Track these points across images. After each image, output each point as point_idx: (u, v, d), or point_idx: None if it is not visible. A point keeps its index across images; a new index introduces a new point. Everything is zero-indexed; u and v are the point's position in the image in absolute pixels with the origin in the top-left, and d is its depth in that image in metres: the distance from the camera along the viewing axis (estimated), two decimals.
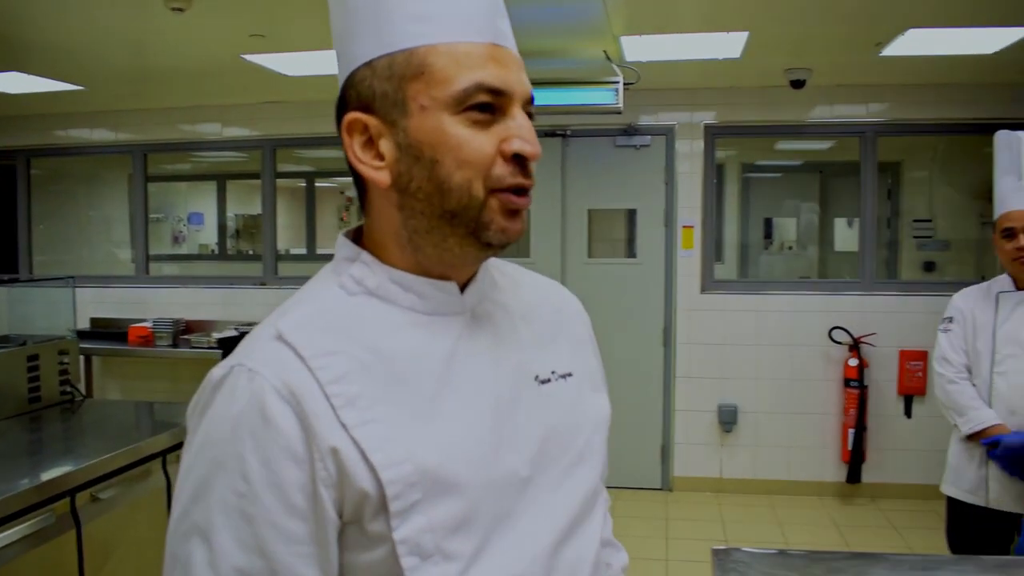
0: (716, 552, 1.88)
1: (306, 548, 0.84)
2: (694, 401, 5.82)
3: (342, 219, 8.15)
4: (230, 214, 7.33)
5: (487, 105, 0.90)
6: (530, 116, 0.94)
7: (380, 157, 0.92)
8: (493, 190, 0.91)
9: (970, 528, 3.04)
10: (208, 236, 7.35)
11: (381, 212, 0.96)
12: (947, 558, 2.11)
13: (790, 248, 7.49)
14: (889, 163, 7.05)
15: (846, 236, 6.85)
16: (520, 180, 0.92)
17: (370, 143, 0.93)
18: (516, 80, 0.93)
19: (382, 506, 0.85)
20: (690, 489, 5.82)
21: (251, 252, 7.09)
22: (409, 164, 0.91)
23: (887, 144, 6.18)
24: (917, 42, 4.36)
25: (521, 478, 0.93)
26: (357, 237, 1.01)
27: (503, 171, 0.91)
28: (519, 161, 0.92)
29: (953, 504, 3.14)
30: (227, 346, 5.46)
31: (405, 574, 0.85)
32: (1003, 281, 3.03)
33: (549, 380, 1.02)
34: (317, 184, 7.21)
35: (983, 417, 2.96)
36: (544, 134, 5.67)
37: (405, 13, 0.90)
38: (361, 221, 1.02)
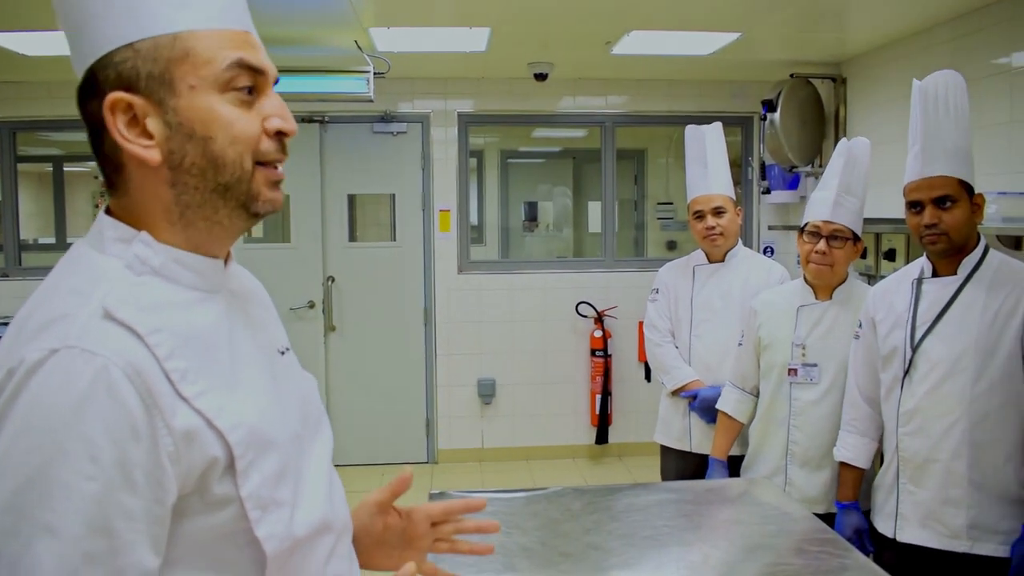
0: (431, 495, 2.11)
1: (142, 525, 0.85)
2: (455, 376, 6.11)
3: (96, 206, 7.74)
4: None
5: (247, 87, 0.98)
6: None
7: (147, 136, 0.94)
8: (258, 163, 0.99)
9: (679, 470, 3.48)
10: None
11: (146, 191, 0.97)
12: (626, 486, 2.48)
13: (558, 230, 7.96)
14: (635, 150, 7.66)
15: (599, 218, 7.39)
16: (282, 155, 1.02)
17: (134, 122, 0.94)
18: (268, 62, 1.02)
19: (229, 468, 0.92)
20: (454, 460, 6.12)
21: None
22: (181, 142, 0.95)
23: (631, 133, 6.73)
24: (640, 42, 4.82)
25: (298, 435, 1.07)
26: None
27: (269, 147, 1.00)
28: (279, 137, 1.01)
29: (665, 451, 3.57)
30: None
31: (253, 526, 0.93)
32: (698, 256, 3.49)
33: (284, 353, 1.16)
34: (66, 169, 6.83)
35: (684, 374, 3.39)
36: (301, 120, 5.71)
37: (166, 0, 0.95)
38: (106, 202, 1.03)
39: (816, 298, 2.83)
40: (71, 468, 0.81)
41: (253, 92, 1.00)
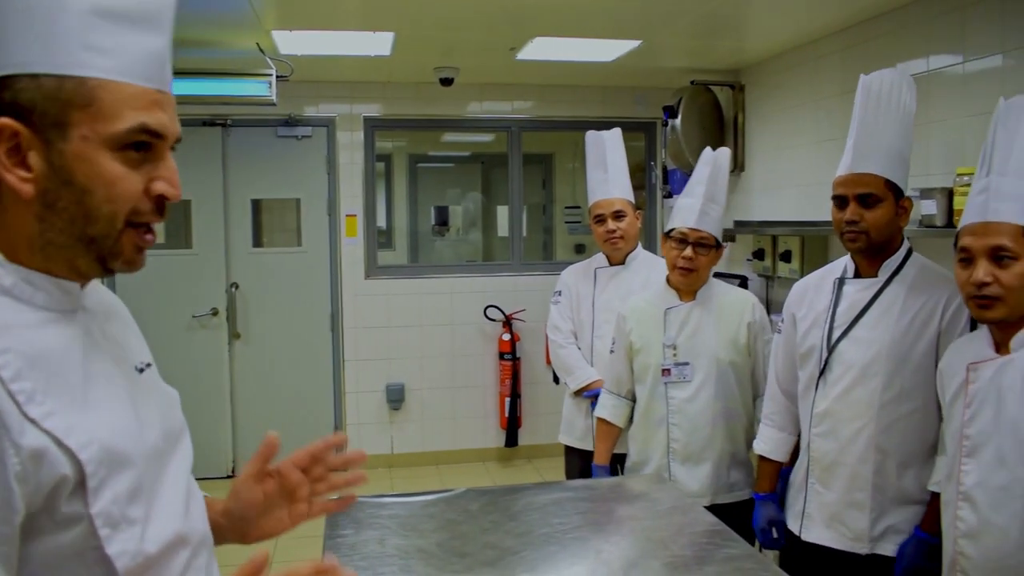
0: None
1: None
2: (363, 382, 6.08)
3: None
4: None
5: (142, 144, 0.98)
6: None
7: (26, 167, 0.94)
8: (129, 223, 1.00)
9: (582, 469, 3.53)
10: None
11: (16, 216, 0.97)
12: (527, 485, 2.52)
13: (467, 234, 7.97)
14: (543, 155, 7.74)
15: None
16: (156, 218, 1.02)
17: (15, 151, 0.93)
18: (172, 124, 1.01)
19: (79, 486, 0.92)
20: (364, 467, 6.03)
21: None
22: (59, 185, 0.95)
23: (539, 138, 6.78)
24: (544, 49, 4.88)
25: (160, 451, 1.08)
26: None
27: (145, 207, 1.00)
28: (159, 201, 1.01)
29: (569, 451, 3.62)
30: None
31: (103, 543, 0.93)
32: (599, 259, 3.55)
33: (143, 370, 1.15)
34: None
35: (586, 375, 3.46)
36: (203, 123, 5.56)
37: (83, 40, 0.93)
38: None
39: (681, 300, 2.94)
40: None
41: (148, 150, 1.00)
